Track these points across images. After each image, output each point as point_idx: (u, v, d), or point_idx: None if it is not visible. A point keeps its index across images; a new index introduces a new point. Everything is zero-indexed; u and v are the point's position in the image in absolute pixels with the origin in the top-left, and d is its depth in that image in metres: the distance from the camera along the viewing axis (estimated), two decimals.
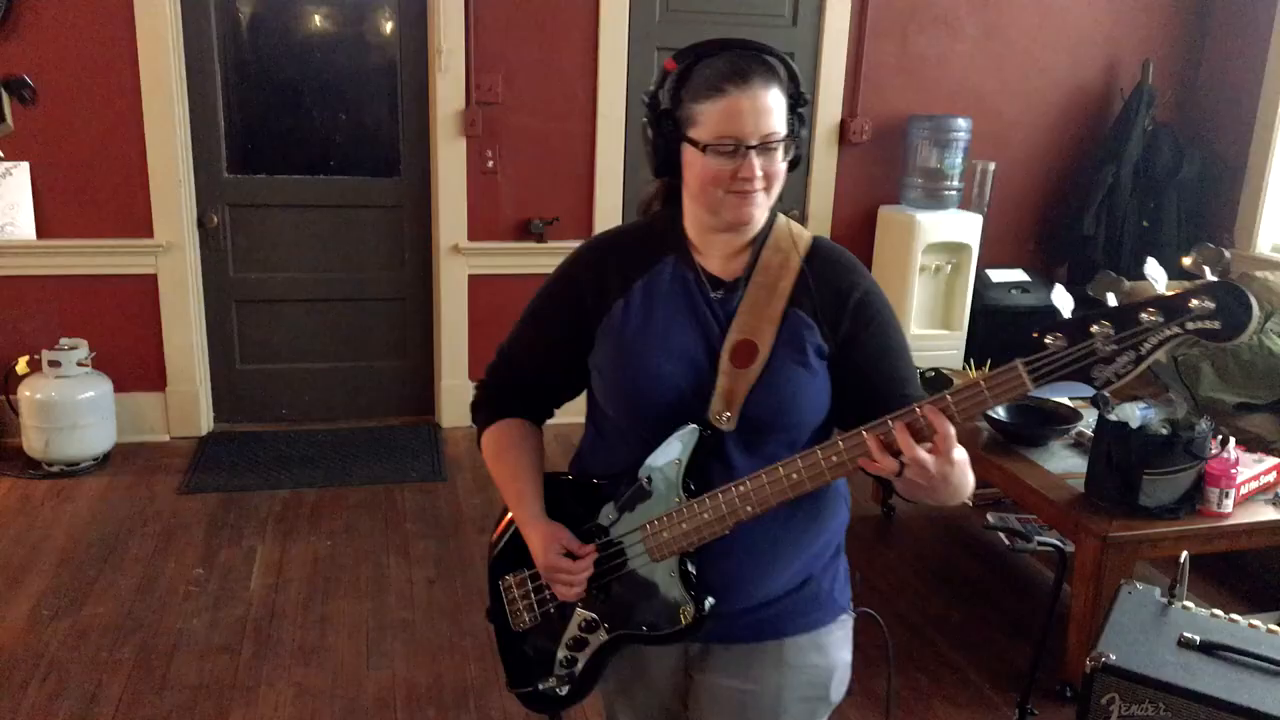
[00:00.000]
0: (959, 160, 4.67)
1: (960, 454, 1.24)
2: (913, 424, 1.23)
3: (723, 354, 1.38)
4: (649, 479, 1.39)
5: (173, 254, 4.25)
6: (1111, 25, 4.94)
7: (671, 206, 1.47)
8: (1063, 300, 1.23)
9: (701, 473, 1.38)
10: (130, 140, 4.10)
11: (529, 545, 1.48)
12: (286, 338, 4.61)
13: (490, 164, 4.43)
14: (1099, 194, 4.91)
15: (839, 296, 1.40)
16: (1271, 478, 2.92)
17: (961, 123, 4.64)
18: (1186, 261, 1.15)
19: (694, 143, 1.33)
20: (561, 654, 1.51)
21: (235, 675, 2.79)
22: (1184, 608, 1.94)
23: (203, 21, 4.15)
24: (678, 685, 1.57)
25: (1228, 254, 1.14)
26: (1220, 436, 2.80)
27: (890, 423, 1.24)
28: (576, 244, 1.55)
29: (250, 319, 4.55)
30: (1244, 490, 2.83)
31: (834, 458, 1.28)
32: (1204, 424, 2.75)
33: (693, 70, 1.33)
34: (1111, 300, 1.17)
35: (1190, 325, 1.12)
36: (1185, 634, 1.83)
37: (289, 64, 4.35)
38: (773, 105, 1.32)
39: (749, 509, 1.33)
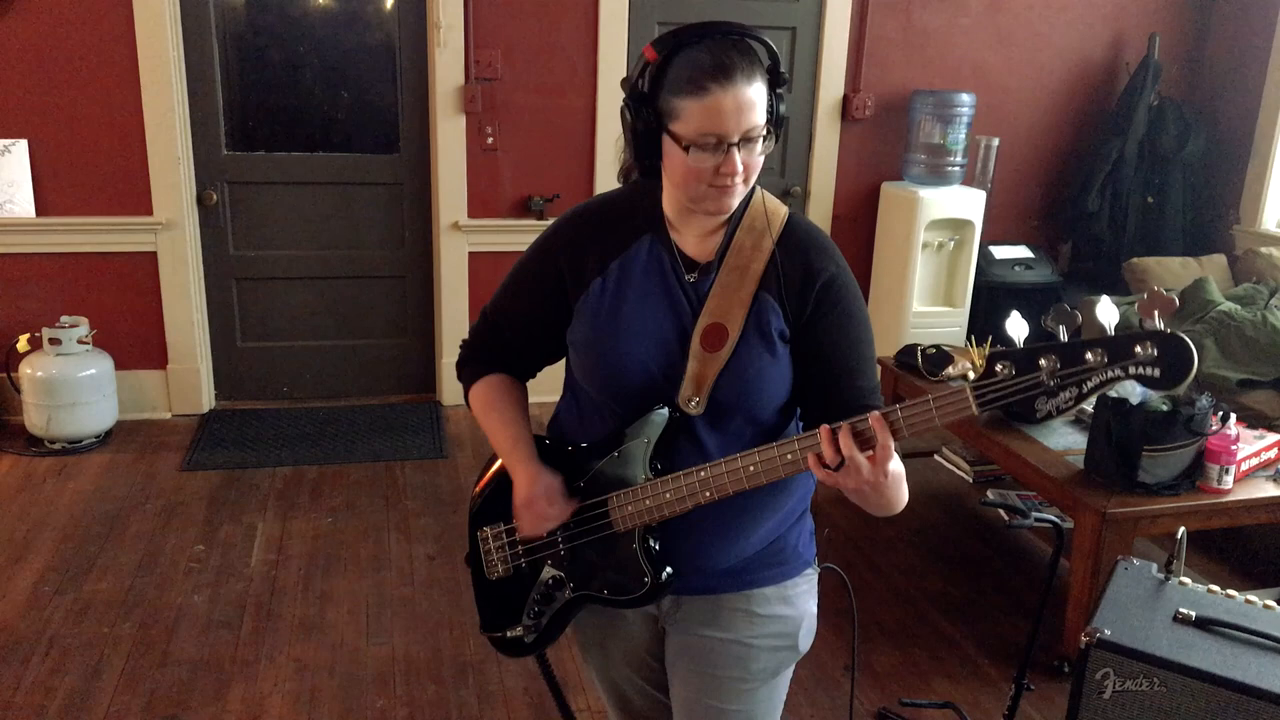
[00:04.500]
0: (962, 136, 4.64)
1: (895, 467, 1.30)
2: (858, 429, 1.27)
3: (694, 338, 1.40)
4: (618, 454, 1.44)
5: (172, 231, 4.24)
6: None
7: (650, 178, 1.45)
8: (1017, 329, 1.26)
9: (670, 451, 1.42)
10: (129, 118, 4.09)
11: (515, 483, 1.50)
12: (287, 315, 4.60)
13: (490, 140, 4.41)
14: (1103, 170, 4.88)
15: (805, 279, 1.41)
16: (1272, 454, 2.91)
17: (965, 98, 4.61)
18: (1138, 305, 1.17)
19: (675, 137, 1.32)
20: (529, 607, 1.57)
21: (236, 650, 2.81)
22: (1180, 583, 1.94)
23: None
24: (650, 636, 1.63)
25: (1177, 301, 1.15)
26: (1221, 413, 2.79)
27: (842, 425, 1.28)
28: None
29: (251, 296, 4.55)
30: (1244, 467, 2.82)
31: (789, 455, 1.33)
32: (1205, 400, 2.74)
33: (673, 60, 1.31)
34: (1062, 335, 1.19)
35: (1132, 370, 1.14)
36: (1181, 610, 1.82)
37: (287, 40, 4.32)
38: (755, 98, 1.30)
39: (707, 494, 1.38)
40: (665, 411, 1.41)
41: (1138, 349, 1.13)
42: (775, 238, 1.42)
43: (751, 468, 1.34)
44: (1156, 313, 1.15)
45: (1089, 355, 1.16)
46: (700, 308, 1.41)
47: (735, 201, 1.38)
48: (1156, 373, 1.12)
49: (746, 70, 1.29)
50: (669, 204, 1.45)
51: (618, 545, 1.46)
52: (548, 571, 1.54)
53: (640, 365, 1.42)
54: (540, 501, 1.46)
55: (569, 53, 4.41)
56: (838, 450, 1.27)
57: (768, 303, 1.40)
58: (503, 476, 1.59)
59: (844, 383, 1.39)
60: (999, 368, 1.20)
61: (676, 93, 1.30)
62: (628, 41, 4.43)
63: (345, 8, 4.32)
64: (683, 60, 1.30)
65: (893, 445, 1.26)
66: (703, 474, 1.37)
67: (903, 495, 1.37)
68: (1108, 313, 1.19)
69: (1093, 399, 1.18)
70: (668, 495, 1.40)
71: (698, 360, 1.39)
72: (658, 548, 1.45)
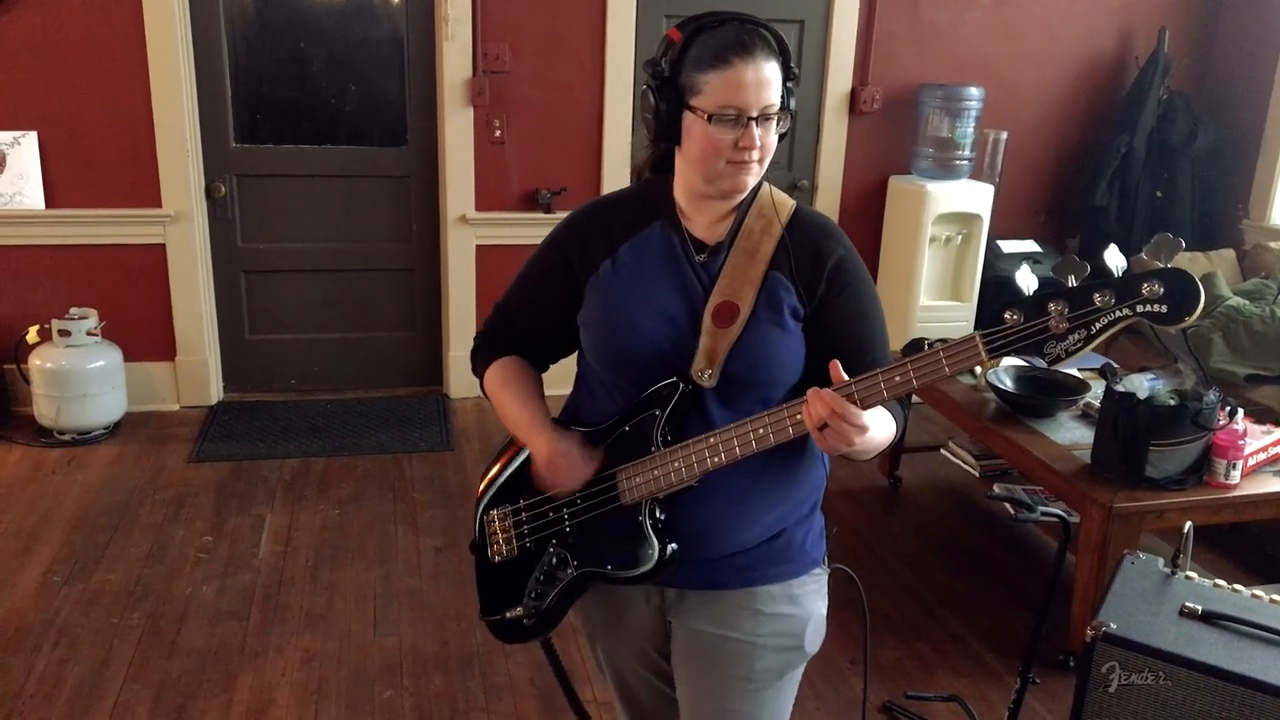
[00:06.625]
0: (970, 130, 4.63)
1: (877, 435, 1.36)
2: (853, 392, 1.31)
3: (705, 314, 1.44)
4: (629, 428, 1.47)
5: (181, 224, 4.25)
6: None
7: (662, 173, 1.52)
8: (1026, 280, 1.29)
9: (680, 425, 1.45)
10: (138, 110, 4.10)
11: (534, 450, 1.53)
12: (295, 308, 4.61)
13: (498, 133, 4.41)
14: (1112, 164, 4.86)
15: (816, 261, 1.45)
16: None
17: (973, 91, 4.59)
18: (1145, 250, 1.20)
19: (697, 112, 1.37)
20: (532, 588, 1.58)
21: (243, 641, 2.82)
22: (1186, 578, 1.94)
23: None
24: (656, 629, 1.62)
25: (1182, 244, 1.19)
26: (1229, 408, 2.78)
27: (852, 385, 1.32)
28: None
29: (259, 289, 4.56)
30: (1252, 461, 2.81)
31: (797, 416, 1.35)
32: (1212, 395, 2.73)
33: (695, 40, 1.37)
34: (1071, 282, 1.21)
35: (1140, 308, 1.17)
36: (1187, 604, 1.82)
37: (296, 33, 4.32)
38: (771, 77, 1.36)
39: (716, 460, 1.40)
40: (678, 383, 1.43)
41: (1144, 288, 1.16)
42: (784, 221, 1.47)
43: (761, 430, 1.37)
44: (1162, 255, 1.18)
45: (1097, 297, 1.18)
46: (711, 288, 1.45)
47: (751, 181, 1.42)
48: (1164, 309, 1.15)
49: (765, 50, 1.36)
50: (681, 191, 1.49)
51: (624, 519, 1.48)
52: (552, 550, 1.56)
53: (650, 340, 1.45)
54: (566, 457, 1.48)
55: (577, 46, 4.41)
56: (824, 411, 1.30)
57: (779, 281, 1.44)
58: (513, 461, 1.61)
59: (860, 359, 1.42)
60: (1008, 315, 1.22)
61: (699, 68, 1.36)
62: (635, 35, 4.43)
63: (353, 1, 4.32)
64: (706, 39, 1.36)
65: (854, 417, 1.28)
66: (711, 440, 1.40)
67: (878, 439, 1.40)
68: (1114, 258, 1.22)
69: (1103, 338, 1.20)
70: (676, 464, 1.42)
71: (710, 335, 1.43)
72: (664, 519, 1.47)
